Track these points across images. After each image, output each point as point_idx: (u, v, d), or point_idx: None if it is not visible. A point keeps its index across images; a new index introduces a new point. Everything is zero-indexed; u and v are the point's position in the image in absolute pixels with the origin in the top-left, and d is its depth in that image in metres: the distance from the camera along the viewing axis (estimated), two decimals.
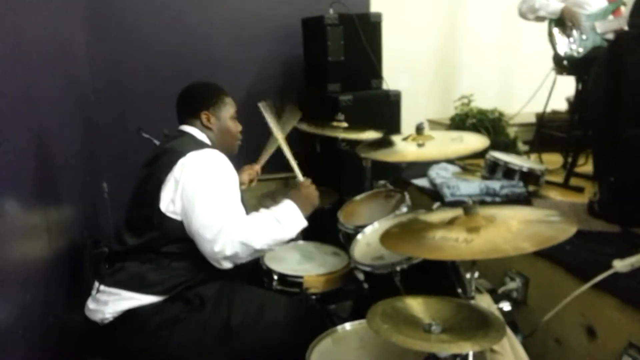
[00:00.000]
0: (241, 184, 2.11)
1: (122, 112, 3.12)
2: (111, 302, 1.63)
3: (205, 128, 1.87)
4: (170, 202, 1.65)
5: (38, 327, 1.46)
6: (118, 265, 1.70)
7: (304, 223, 1.76)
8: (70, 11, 2.70)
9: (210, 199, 1.63)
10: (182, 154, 1.69)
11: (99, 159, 3.04)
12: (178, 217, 1.65)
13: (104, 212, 2.94)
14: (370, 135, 2.30)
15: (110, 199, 2.99)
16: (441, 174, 2.87)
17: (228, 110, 1.91)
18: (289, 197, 1.79)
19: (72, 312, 1.84)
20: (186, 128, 1.87)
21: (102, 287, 1.67)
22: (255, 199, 2.66)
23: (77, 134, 2.56)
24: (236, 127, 1.94)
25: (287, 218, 1.71)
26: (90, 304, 1.69)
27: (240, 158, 2.53)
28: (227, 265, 1.63)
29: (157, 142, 2.78)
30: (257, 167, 2.30)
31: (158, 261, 1.66)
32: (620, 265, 1.66)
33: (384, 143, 2.00)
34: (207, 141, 1.85)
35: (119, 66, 3.10)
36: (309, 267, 2.07)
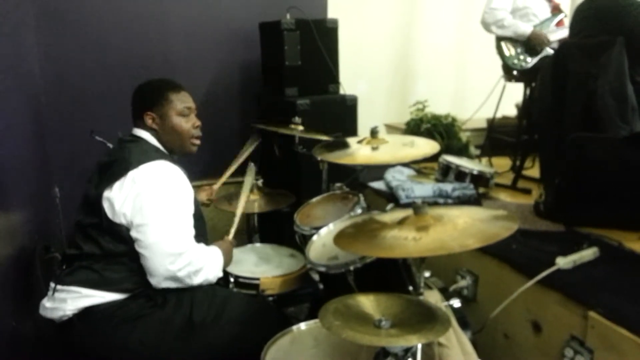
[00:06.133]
0: (201, 203, 2.09)
1: (74, 115, 3.03)
2: (70, 300, 1.61)
3: (152, 130, 1.80)
4: (118, 210, 1.63)
5: None
6: (77, 265, 1.68)
7: (220, 274, 1.79)
8: (19, 9, 2.62)
9: (169, 217, 1.63)
10: (132, 165, 1.66)
11: (51, 162, 2.95)
12: (125, 223, 1.63)
13: (55, 217, 2.86)
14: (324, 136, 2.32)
15: (62, 203, 2.91)
16: (397, 177, 2.92)
17: (174, 107, 1.79)
18: (218, 245, 1.83)
19: (23, 319, 1.79)
20: (138, 132, 1.82)
21: (59, 287, 1.65)
22: None
23: (28, 137, 2.48)
24: (187, 124, 1.82)
25: (218, 261, 1.78)
26: (47, 303, 1.66)
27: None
28: (165, 284, 1.63)
29: (110, 145, 2.73)
30: (215, 187, 2.36)
31: (117, 261, 1.65)
32: (563, 262, 1.74)
33: (340, 145, 2.03)
34: (159, 145, 1.81)
35: (71, 67, 3.01)
36: (266, 268, 2.08)
